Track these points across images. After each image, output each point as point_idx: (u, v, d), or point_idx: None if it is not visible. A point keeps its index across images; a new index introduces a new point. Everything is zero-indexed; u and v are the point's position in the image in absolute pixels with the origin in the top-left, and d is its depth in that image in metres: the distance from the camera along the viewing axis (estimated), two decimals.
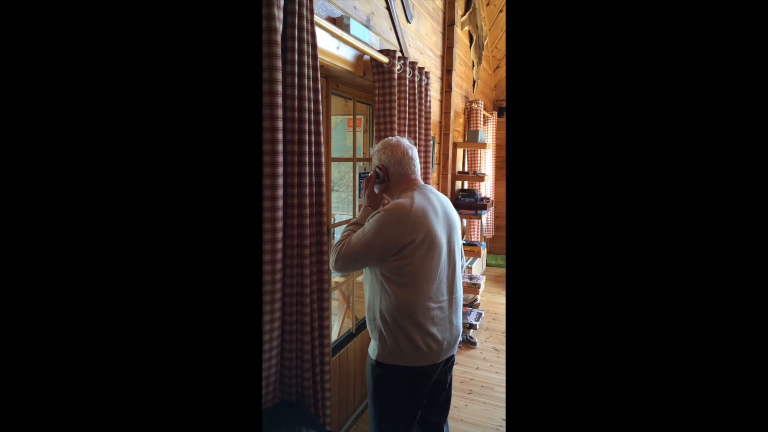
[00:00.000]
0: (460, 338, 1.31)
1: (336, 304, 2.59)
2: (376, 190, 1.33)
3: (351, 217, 2.07)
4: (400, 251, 1.12)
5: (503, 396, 2.29)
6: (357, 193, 2.04)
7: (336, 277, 2.34)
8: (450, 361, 1.31)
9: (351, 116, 2.05)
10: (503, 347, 2.91)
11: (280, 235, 1.11)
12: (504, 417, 2.10)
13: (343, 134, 3.00)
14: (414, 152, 1.30)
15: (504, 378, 2.49)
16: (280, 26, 1.04)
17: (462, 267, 1.38)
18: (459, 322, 1.27)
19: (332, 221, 1.95)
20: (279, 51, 1.04)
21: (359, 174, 2.04)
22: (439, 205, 1.24)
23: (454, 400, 2.12)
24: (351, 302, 2.21)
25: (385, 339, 1.17)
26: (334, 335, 2.08)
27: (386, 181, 1.29)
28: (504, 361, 2.72)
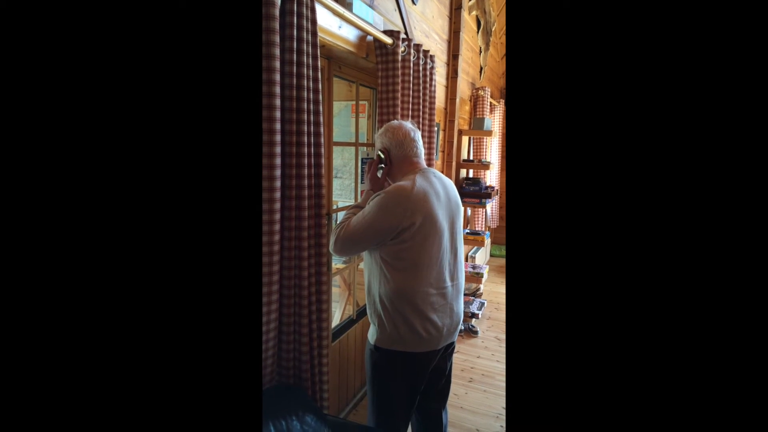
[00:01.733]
0: (461, 326, 1.29)
1: (338, 291, 2.59)
2: (379, 174, 1.30)
3: (354, 203, 2.05)
4: (400, 234, 1.10)
5: (504, 384, 2.29)
6: (359, 180, 2.02)
7: (337, 264, 2.33)
8: (450, 348, 1.30)
9: (354, 102, 2.01)
10: (505, 336, 2.90)
11: (277, 216, 1.09)
12: (504, 405, 2.10)
13: (347, 120, 2.97)
14: (417, 135, 1.27)
15: (505, 367, 2.49)
16: (278, 0, 1.01)
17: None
18: (460, 309, 1.25)
19: (335, 207, 1.93)
20: (277, 26, 1.01)
21: (362, 159, 2.02)
22: (442, 189, 1.21)
23: (454, 388, 2.11)
24: (352, 289, 2.20)
25: (384, 324, 1.16)
26: (336, 321, 2.08)
27: (389, 164, 1.26)
28: (505, 350, 2.70)
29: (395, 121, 1.29)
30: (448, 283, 1.19)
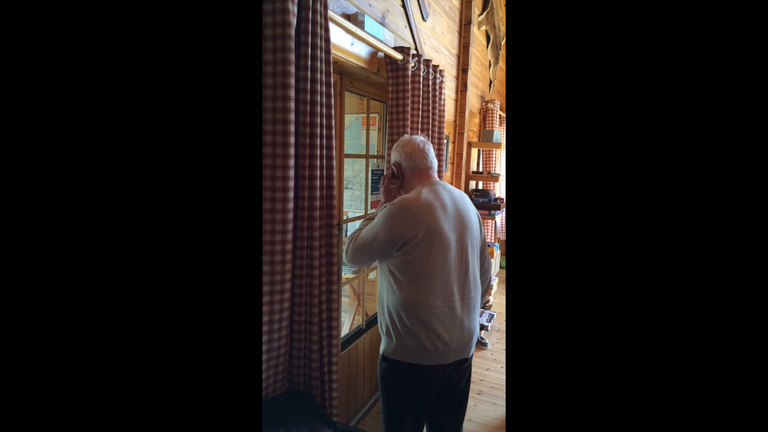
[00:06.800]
0: (475, 340, 1.26)
1: (347, 301, 2.61)
2: (392, 187, 1.35)
3: (363, 214, 2.08)
4: (404, 246, 1.13)
5: None
6: (369, 191, 2.06)
7: (347, 274, 2.36)
8: (464, 365, 1.26)
9: (365, 115, 2.06)
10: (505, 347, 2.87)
11: (290, 226, 1.13)
12: None
13: (358, 132, 3.02)
14: (427, 147, 1.29)
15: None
16: (294, 20, 1.06)
17: (489, 268, 1.35)
18: (472, 324, 1.22)
19: (345, 218, 1.97)
20: (293, 45, 1.06)
21: (372, 170, 2.06)
22: (451, 201, 1.22)
23: None
24: (361, 299, 2.22)
25: (391, 334, 1.17)
26: (345, 331, 2.10)
27: (401, 177, 1.31)
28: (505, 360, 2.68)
29: (406, 136, 1.33)
30: (457, 296, 1.18)
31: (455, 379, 1.25)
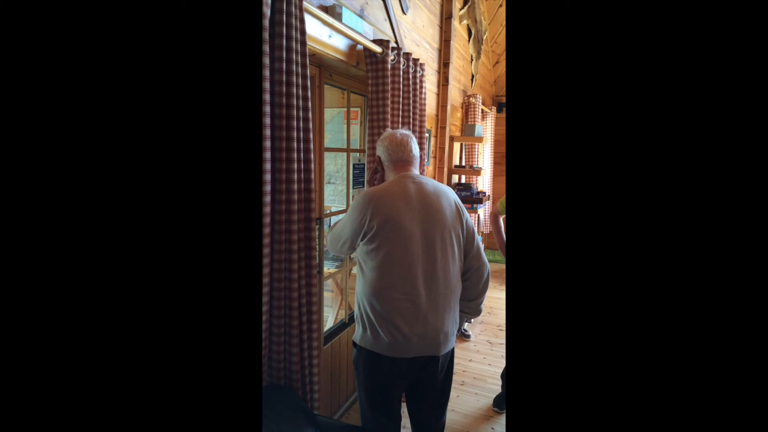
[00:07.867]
0: (448, 340, 1.20)
1: (330, 296, 2.61)
2: (375, 182, 1.39)
3: (345, 208, 2.08)
4: (365, 236, 1.16)
5: (495, 388, 2.31)
6: (351, 185, 2.05)
7: (330, 268, 2.35)
8: (435, 365, 1.20)
9: (346, 108, 2.05)
10: (497, 340, 2.92)
11: (267, 220, 1.12)
12: (495, 408, 2.12)
13: (340, 126, 3.00)
14: (407, 140, 1.29)
15: (496, 370, 2.51)
16: (268, 11, 1.05)
17: (480, 267, 1.28)
18: (441, 322, 1.17)
19: (327, 212, 1.96)
20: (266, 37, 1.04)
21: (353, 165, 2.05)
22: (418, 194, 1.18)
23: None
24: (345, 293, 2.22)
25: (358, 321, 1.21)
26: (329, 325, 2.10)
27: (381, 170, 1.35)
28: (497, 353, 2.73)
29: (389, 130, 1.35)
30: (422, 291, 1.14)
31: (426, 379, 1.22)
